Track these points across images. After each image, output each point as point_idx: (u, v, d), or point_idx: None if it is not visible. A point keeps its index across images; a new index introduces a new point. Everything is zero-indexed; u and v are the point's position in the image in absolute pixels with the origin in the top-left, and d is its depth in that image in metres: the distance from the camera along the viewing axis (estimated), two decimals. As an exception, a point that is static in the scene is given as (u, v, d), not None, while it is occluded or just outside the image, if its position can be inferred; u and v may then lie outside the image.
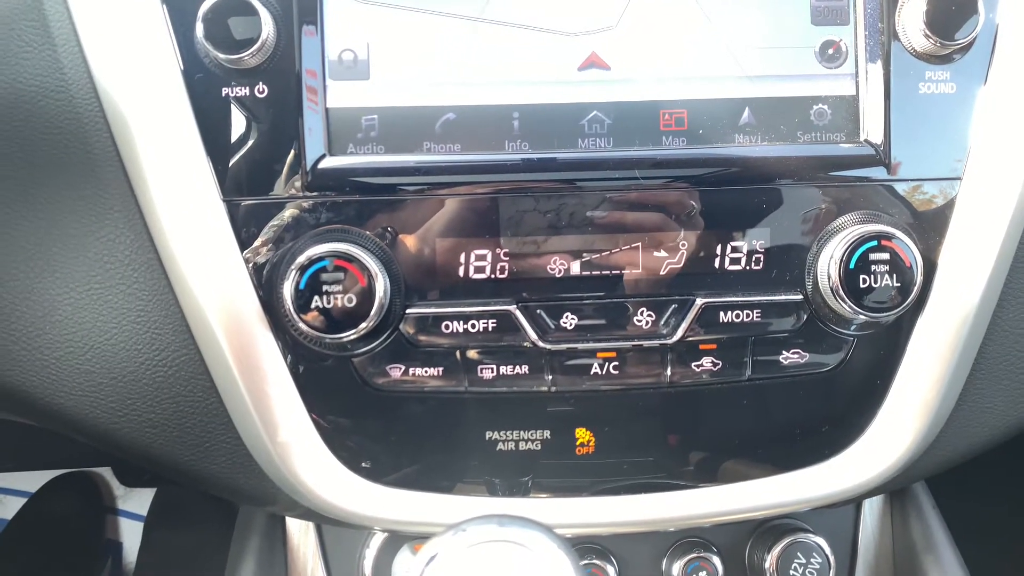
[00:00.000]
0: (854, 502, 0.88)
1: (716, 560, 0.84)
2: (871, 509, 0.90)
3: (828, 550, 0.82)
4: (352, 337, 0.67)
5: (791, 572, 0.81)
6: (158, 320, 0.71)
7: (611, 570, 0.84)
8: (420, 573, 0.47)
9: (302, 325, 0.66)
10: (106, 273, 0.71)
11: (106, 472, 2.07)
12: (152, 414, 0.73)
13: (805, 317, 0.71)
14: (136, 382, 0.72)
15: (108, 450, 0.79)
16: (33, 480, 2.00)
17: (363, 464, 0.72)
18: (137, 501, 2.04)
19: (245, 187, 0.68)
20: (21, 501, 1.96)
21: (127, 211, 0.70)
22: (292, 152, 0.68)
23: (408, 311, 0.69)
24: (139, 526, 2.02)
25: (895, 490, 0.90)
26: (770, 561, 0.82)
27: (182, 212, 0.69)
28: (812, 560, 0.82)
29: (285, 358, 0.70)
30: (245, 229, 0.69)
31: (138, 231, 0.70)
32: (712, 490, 0.75)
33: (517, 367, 0.71)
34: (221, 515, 1.71)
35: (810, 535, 0.83)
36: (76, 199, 0.70)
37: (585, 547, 0.86)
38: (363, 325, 0.66)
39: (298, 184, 0.68)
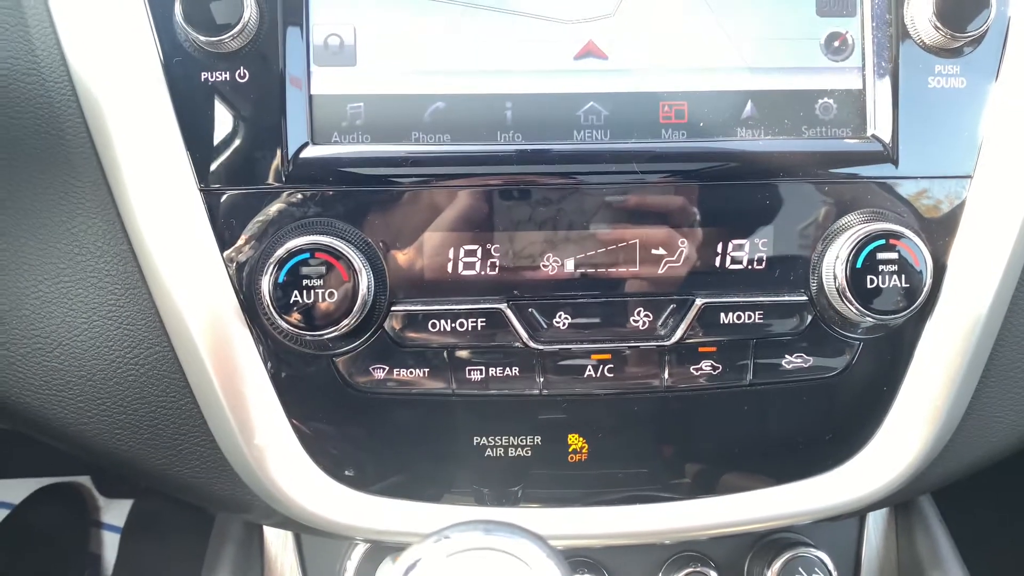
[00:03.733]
0: (858, 515, 0.84)
1: (714, 575, 0.80)
2: (875, 523, 0.86)
3: (831, 565, 0.79)
4: (334, 335, 0.64)
5: None
6: (130, 316, 0.68)
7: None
8: (400, 580, 0.43)
9: (281, 322, 0.63)
10: (76, 266, 0.67)
11: (88, 481, 2.02)
12: (123, 415, 0.69)
13: (809, 319, 0.68)
14: (106, 381, 0.68)
15: (76, 453, 0.75)
16: (16, 489, 1.95)
17: (345, 471, 0.69)
18: (118, 512, 1.99)
19: (224, 177, 0.65)
20: (2, 513, 1.91)
21: (99, 200, 0.66)
22: (274, 141, 0.65)
23: (393, 308, 0.66)
24: (117, 538, 1.97)
25: (900, 503, 0.87)
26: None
27: (157, 202, 0.65)
28: (815, 575, 0.78)
29: (263, 357, 0.66)
30: (223, 221, 0.65)
31: (111, 221, 0.66)
32: (710, 501, 0.72)
33: (507, 368, 0.67)
34: (198, 527, 1.67)
35: (812, 550, 0.79)
36: (46, 187, 0.67)
37: (576, 560, 0.82)
38: (345, 322, 0.63)
39: (280, 174, 0.65)
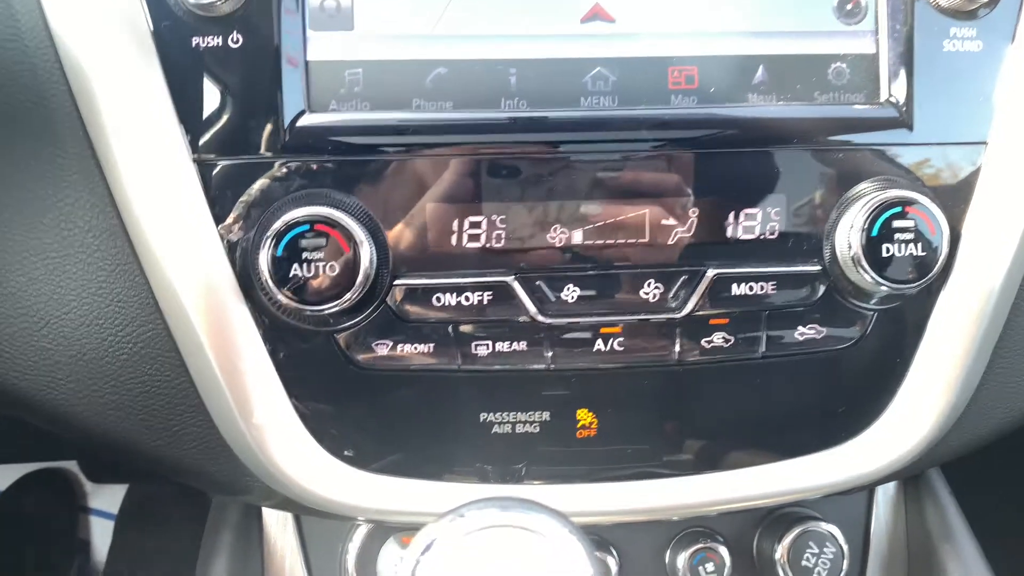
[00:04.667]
0: (869, 488, 0.83)
1: (723, 551, 0.78)
2: (884, 496, 0.85)
3: (841, 539, 0.78)
4: (335, 310, 0.61)
5: (803, 563, 0.77)
6: (122, 292, 0.65)
7: (611, 562, 0.78)
8: (415, 563, 0.41)
9: (280, 297, 0.60)
10: (64, 241, 0.64)
11: (75, 467, 1.99)
12: (115, 395, 0.67)
13: (823, 289, 0.66)
14: (98, 361, 0.66)
15: (68, 436, 0.72)
16: (2, 474, 1.92)
17: (346, 450, 0.67)
18: (107, 498, 1.96)
19: (217, 146, 0.62)
20: (-11, 500, 1.88)
21: (87, 172, 0.64)
22: (269, 109, 0.62)
23: (396, 282, 0.64)
24: (109, 524, 1.95)
25: (909, 476, 0.86)
26: (781, 552, 0.77)
27: (148, 174, 0.63)
28: (825, 550, 0.77)
29: (261, 334, 0.64)
30: (217, 192, 0.63)
31: (99, 194, 0.64)
32: (721, 476, 0.70)
33: (514, 343, 0.65)
34: (195, 512, 1.65)
35: (821, 523, 0.78)
36: (29, 158, 0.64)
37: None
38: (347, 297, 0.61)
39: (276, 143, 0.62)
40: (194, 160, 0.62)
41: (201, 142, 0.62)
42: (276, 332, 0.64)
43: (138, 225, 0.63)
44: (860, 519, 0.84)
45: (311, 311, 0.61)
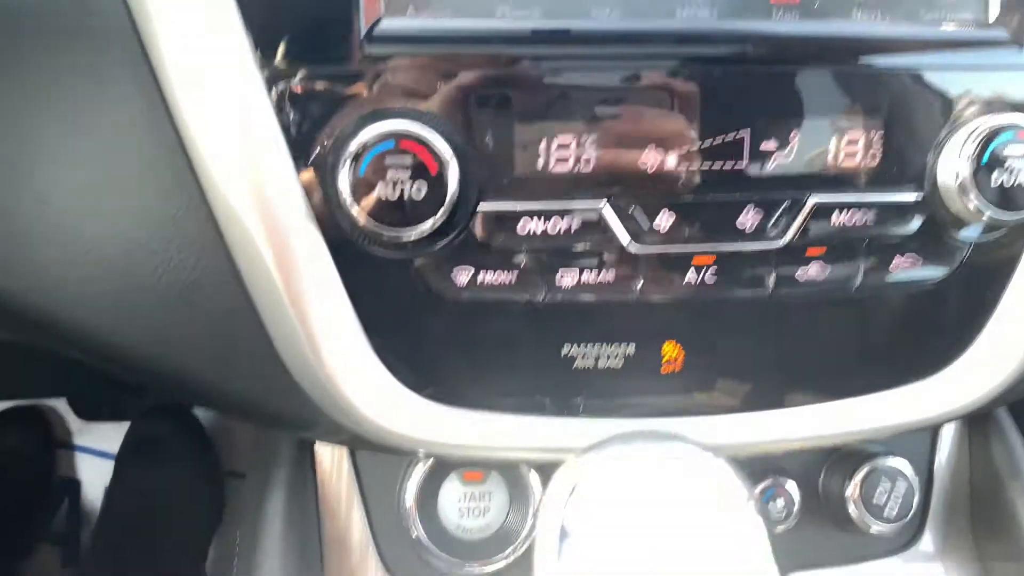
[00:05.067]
0: (948, 422, 0.82)
1: (792, 487, 0.77)
2: (948, 432, 0.84)
3: (911, 474, 0.77)
4: (416, 235, 0.57)
5: (874, 500, 0.76)
6: (177, 211, 0.60)
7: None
8: (563, 507, 0.38)
9: (359, 218, 0.56)
10: (112, 152, 0.59)
11: (60, 404, 1.93)
12: (171, 325, 0.62)
13: (923, 219, 0.64)
14: (152, 287, 0.61)
15: (114, 370, 0.68)
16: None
17: (423, 382, 0.63)
18: (94, 436, 1.92)
19: (288, 55, 0.57)
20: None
21: (138, 78, 0.58)
22: (344, 12, 0.57)
23: (480, 207, 0.59)
24: (98, 462, 1.91)
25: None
26: (852, 488, 0.76)
27: (208, 83, 0.57)
28: (897, 485, 0.76)
29: (334, 259, 0.59)
30: (289, 106, 0.57)
31: (152, 103, 0.58)
32: (797, 412, 0.68)
33: (603, 273, 0.62)
34: (199, 449, 1.61)
35: (891, 458, 0.77)
36: (73, 61, 0.57)
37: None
38: (431, 220, 0.56)
39: (352, 52, 0.57)
40: (262, 70, 0.56)
41: (269, 48, 0.56)
42: (350, 257, 0.60)
43: (198, 142, 0.58)
44: (925, 455, 0.84)
45: (390, 235, 0.57)
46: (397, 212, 0.56)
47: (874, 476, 0.76)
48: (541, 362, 0.64)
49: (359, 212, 0.56)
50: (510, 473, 0.79)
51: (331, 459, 0.79)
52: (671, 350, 0.65)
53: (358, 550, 0.80)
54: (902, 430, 0.70)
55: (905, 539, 0.83)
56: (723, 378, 0.66)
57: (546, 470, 0.78)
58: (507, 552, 0.78)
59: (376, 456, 0.78)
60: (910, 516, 0.76)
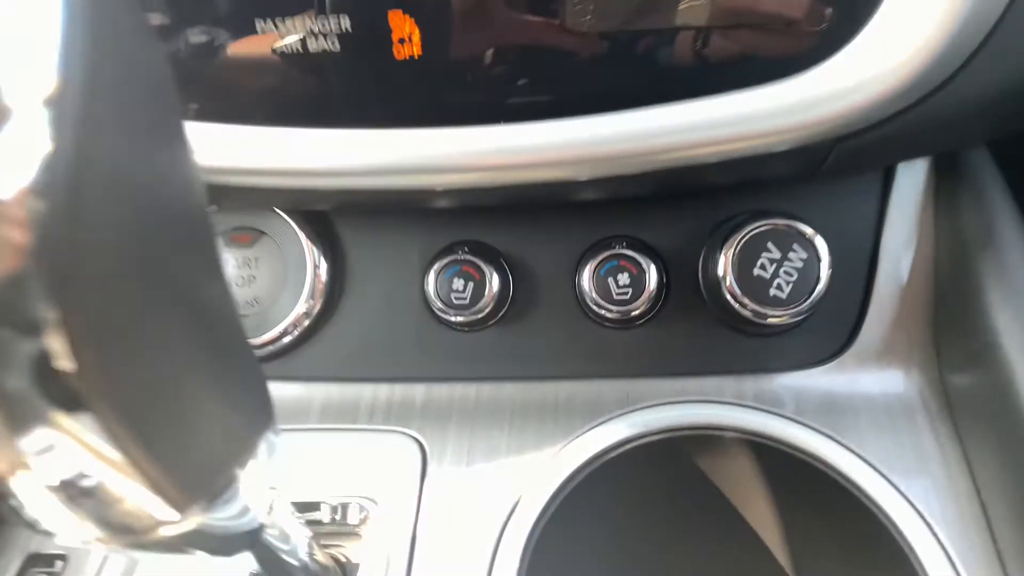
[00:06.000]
0: (860, 129, 0.55)
1: (644, 260, 0.56)
2: (904, 199, 0.59)
3: (820, 242, 0.53)
4: None
5: (755, 271, 0.53)
6: None
7: (493, 280, 0.58)
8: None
9: None
10: None
11: None
12: None
13: None
14: None
15: None
16: None
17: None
18: None
19: None
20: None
21: None
22: None
23: None
24: None
25: (943, 159, 0.59)
26: (724, 261, 0.54)
27: None
28: (791, 254, 0.53)
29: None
30: None
31: None
32: (633, 115, 0.48)
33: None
34: None
35: (793, 223, 0.54)
36: None
37: (474, 245, 0.61)
38: None
39: None
40: None
41: None
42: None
43: None
44: (868, 230, 0.59)
45: None
46: None
47: (756, 241, 0.53)
48: (231, 50, 0.47)
49: None
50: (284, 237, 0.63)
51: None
52: (401, 25, 0.46)
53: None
54: (784, 136, 0.47)
55: (836, 345, 0.59)
56: (480, 72, 0.47)
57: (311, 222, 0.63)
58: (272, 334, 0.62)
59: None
60: (813, 297, 0.53)
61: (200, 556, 0.37)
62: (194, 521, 0.33)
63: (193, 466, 0.31)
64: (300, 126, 0.51)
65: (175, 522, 0.31)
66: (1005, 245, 0.52)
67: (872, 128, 0.49)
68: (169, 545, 0.33)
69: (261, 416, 0.35)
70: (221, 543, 0.36)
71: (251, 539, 0.41)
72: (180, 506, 0.32)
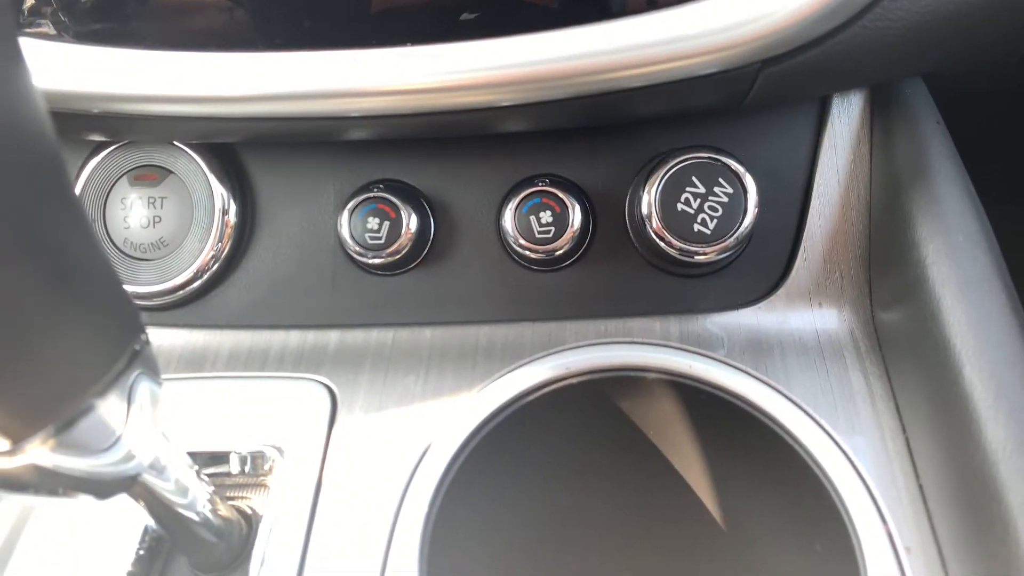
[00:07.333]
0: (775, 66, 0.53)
1: (567, 197, 0.54)
2: (840, 139, 0.57)
3: (746, 176, 0.51)
4: None
5: (679, 207, 0.51)
6: None
7: (411, 220, 0.55)
8: None
9: None
10: None
11: None
12: None
13: None
14: None
15: None
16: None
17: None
18: None
19: None
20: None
21: None
22: None
23: None
24: None
25: (879, 95, 0.57)
26: (648, 198, 0.51)
27: None
28: (717, 188, 0.51)
29: None
30: None
31: None
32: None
33: None
34: None
35: (719, 157, 0.52)
36: None
37: (391, 184, 0.58)
38: None
39: None
40: None
41: None
42: None
43: None
44: (801, 168, 0.57)
45: None
46: None
47: (679, 176, 0.51)
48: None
49: None
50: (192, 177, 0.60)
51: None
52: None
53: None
54: (708, 62, 0.45)
55: (767, 285, 0.58)
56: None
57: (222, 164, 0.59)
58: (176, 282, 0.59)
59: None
60: (739, 233, 0.51)
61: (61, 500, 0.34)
62: (37, 456, 0.30)
63: (26, 392, 0.28)
64: (200, 50, 0.48)
65: (6, 453, 0.28)
66: (937, 176, 0.50)
67: (796, 51, 0.47)
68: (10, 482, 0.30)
69: (114, 342, 0.31)
70: (81, 484, 0.33)
71: (126, 484, 0.38)
72: (14, 435, 0.29)
